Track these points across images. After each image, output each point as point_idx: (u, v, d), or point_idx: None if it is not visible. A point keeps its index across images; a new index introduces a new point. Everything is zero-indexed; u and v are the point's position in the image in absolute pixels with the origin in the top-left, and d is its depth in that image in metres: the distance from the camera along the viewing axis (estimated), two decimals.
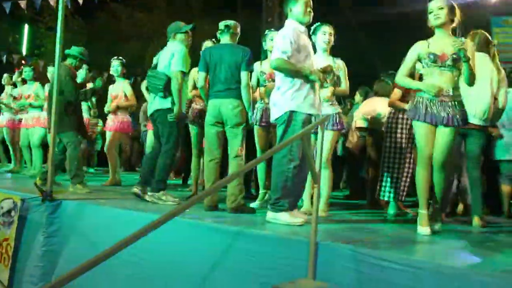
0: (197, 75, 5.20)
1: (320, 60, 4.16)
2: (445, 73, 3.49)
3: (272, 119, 3.79)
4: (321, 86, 3.83)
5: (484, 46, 4.29)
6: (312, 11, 3.73)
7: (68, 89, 5.24)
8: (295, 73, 3.59)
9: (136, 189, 4.63)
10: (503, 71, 4.33)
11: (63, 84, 5.19)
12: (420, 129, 3.54)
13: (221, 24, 4.42)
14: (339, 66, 4.31)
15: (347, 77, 4.36)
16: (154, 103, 4.60)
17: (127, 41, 15.46)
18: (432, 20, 3.57)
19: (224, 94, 4.20)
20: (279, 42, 3.62)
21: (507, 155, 4.97)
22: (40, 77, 7.84)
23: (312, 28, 4.27)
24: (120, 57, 6.64)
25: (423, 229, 3.46)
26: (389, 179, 4.73)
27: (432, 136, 3.52)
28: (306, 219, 3.53)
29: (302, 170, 3.61)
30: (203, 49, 5.07)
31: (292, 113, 3.57)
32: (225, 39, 4.41)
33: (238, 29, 4.45)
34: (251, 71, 4.35)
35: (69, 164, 5.25)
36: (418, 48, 3.58)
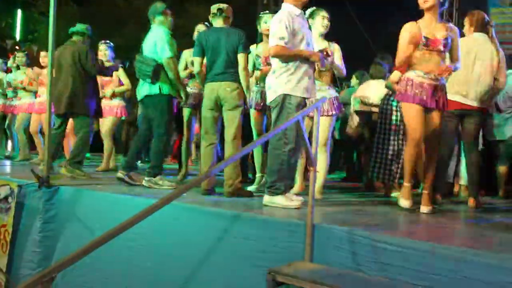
0: (189, 57, 5.13)
1: (316, 44, 4.13)
2: (434, 58, 3.49)
3: (267, 102, 3.79)
4: (322, 65, 3.83)
5: (482, 26, 4.26)
6: None
7: (89, 64, 5.18)
8: (294, 57, 3.58)
9: (121, 174, 4.59)
10: (501, 51, 4.31)
11: (83, 60, 5.15)
12: (410, 110, 3.56)
13: (214, 8, 4.35)
14: (335, 49, 4.29)
15: (342, 59, 4.34)
16: (143, 88, 4.54)
17: (124, 25, 15.26)
18: (421, 4, 3.59)
19: (222, 77, 4.17)
20: (275, 28, 3.60)
21: (499, 136, 5.04)
22: (34, 63, 7.77)
23: (309, 12, 4.23)
24: (108, 41, 6.45)
25: (403, 202, 3.58)
26: (381, 161, 4.74)
27: (422, 117, 3.54)
28: (302, 201, 3.54)
29: (297, 153, 3.62)
30: (196, 33, 5.01)
31: (285, 96, 3.57)
32: (218, 22, 4.35)
33: (231, 13, 4.40)
34: (248, 54, 4.32)
35: (76, 148, 5.22)
36: (410, 29, 3.58)
